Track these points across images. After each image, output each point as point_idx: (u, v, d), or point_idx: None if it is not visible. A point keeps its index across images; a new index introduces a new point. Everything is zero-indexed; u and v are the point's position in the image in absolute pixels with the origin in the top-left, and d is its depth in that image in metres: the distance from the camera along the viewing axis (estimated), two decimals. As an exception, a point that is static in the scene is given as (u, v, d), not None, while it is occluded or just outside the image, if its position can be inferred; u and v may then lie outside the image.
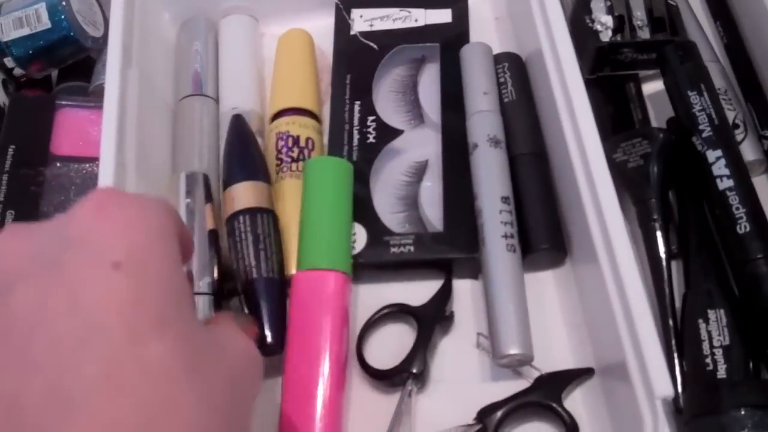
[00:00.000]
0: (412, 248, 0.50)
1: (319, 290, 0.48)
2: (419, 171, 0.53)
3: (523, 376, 0.47)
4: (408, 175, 0.53)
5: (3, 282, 0.30)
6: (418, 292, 0.50)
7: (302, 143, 0.56)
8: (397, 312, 0.50)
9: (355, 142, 0.55)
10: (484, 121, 0.52)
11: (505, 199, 0.49)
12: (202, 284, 0.48)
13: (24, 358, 0.28)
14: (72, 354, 0.28)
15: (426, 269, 0.51)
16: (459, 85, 0.55)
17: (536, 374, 0.46)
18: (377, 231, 0.51)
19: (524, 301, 0.47)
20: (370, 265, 0.51)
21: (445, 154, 0.54)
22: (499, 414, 0.45)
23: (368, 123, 0.56)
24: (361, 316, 0.50)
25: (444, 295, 0.50)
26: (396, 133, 0.55)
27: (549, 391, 0.45)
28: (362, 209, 0.52)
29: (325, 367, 0.46)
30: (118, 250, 0.30)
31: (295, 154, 0.55)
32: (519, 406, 0.45)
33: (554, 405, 0.45)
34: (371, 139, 0.55)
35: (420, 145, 0.54)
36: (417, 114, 0.56)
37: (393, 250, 0.51)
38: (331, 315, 0.47)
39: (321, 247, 0.49)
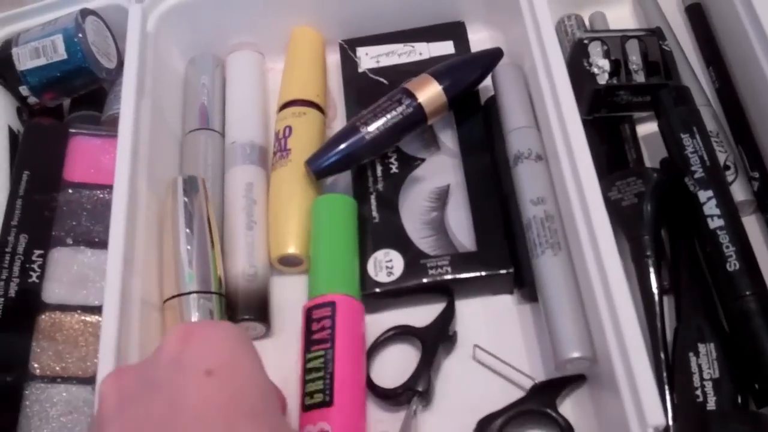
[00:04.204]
0: (449, 269, 0.52)
1: (340, 314, 0.50)
2: (442, 196, 0.55)
3: (518, 386, 0.49)
4: (431, 200, 0.55)
5: (109, 413, 0.35)
6: (419, 314, 0.52)
7: (281, 135, 0.59)
8: (401, 334, 0.52)
9: (379, 173, 0.57)
10: (525, 136, 0.54)
11: (547, 210, 0.51)
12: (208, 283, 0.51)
13: None
14: None
15: (429, 293, 0.53)
16: (472, 111, 0.58)
17: (530, 383, 0.48)
18: (413, 255, 0.53)
19: (580, 304, 0.48)
20: (410, 289, 0.52)
21: (468, 177, 0.55)
22: (498, 423, 0.46)
23: (389, 154, 0.58)
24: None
25: (447, 316, 0.51)
26: (417, 161, 0.57)
27: (544, 399, 0.47)
28: (396, 236, 0.54)
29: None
30: (209, 361, 0.35)
31: (276, 147, 0.59)
32: (516, 414, 0.47)
33: (549, 411, 0.46)
34: (394, 169, 0.57)
35: (440, 171, 0.57)
36: (433, 142, 0.58)
37: (431, 272, 0.52)
38: (351, 337, 0.50)
39: (334, 274, 0.53)
